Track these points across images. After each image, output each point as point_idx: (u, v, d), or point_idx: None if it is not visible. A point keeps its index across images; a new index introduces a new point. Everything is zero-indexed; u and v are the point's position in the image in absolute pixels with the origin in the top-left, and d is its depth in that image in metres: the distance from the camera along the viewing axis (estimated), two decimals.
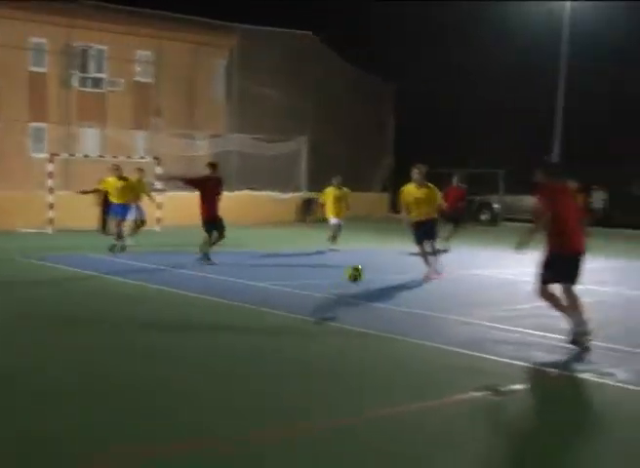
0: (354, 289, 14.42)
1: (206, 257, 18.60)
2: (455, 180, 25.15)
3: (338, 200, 23.23)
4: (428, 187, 16.77)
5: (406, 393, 8.16)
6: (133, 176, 23.07)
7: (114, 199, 21.21)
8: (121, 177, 21.30)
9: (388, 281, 16.20)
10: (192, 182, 19.29)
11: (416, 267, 17.48)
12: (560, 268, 10.22)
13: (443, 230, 22.12)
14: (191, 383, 8.30)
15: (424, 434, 6.91)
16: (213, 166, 19.28)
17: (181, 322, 11.82)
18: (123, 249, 20.67)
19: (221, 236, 18.89)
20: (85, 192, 24.67)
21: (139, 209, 23.63)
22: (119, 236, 20.87)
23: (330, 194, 23.35)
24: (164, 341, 10.36)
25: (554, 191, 10.46)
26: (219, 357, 9.52)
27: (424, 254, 16.94)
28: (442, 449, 6.52)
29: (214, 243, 18.88)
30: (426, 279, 16.51)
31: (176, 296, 14.08)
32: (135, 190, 21.97)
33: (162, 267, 18.00)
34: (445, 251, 21.57)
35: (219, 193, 18.88)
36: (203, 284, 15.61)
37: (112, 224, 21.77)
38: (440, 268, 17.04)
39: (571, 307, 10.22)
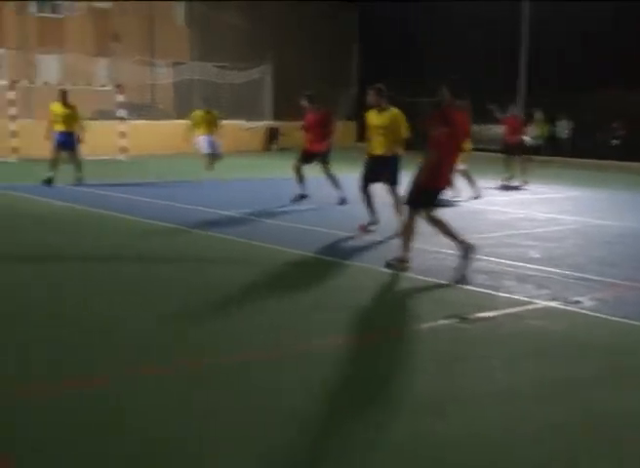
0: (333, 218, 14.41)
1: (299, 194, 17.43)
2: (512, 109, 24.45)
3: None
4: (391, 113, 13.53)
5: (374, 321, 8.24)
6: (202, 109, 22.34)
7: (58, 126, 20.36)
8: (66, 104, 20.47)
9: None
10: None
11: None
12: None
13: (510, 165, 22.69)
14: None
15: (392, 359, 7.00)
16: (308, 98, 17.66)
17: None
18: (49, 181, 19.71)
19: (325, 169, 17.45)
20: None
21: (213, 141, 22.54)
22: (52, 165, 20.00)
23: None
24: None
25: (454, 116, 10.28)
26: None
27: (367, 200, 13.82)
28: (407, 373, 6.63)
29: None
30: (361, 230, 13.66)
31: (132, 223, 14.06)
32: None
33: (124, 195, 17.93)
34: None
35: (316, 126, 17.25)
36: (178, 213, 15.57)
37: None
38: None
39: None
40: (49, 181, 19.56)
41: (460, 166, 19.71)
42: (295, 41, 40.67)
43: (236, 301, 8.93)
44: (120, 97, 30.73)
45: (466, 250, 10.25)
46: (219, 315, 8.34)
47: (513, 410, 5.88)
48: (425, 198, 10.37)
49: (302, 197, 17.26)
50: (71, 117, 20.25)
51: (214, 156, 22.24)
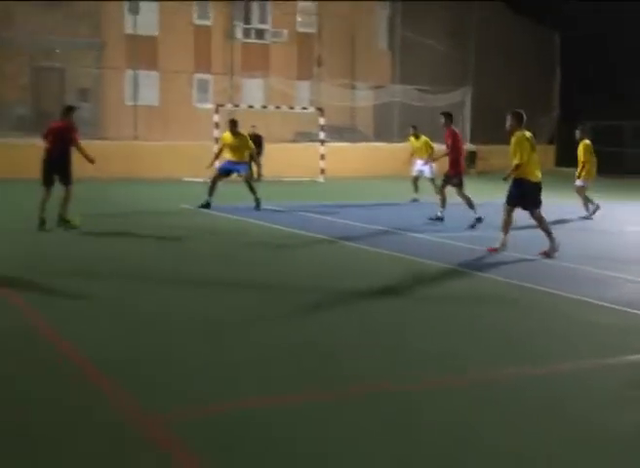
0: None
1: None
2: None
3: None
4: (519, 137, 13.31)
5: (574, 351, 7.93)
6: (412, 135, 22.64)
7: (228, 155, 20.13)
8: (235, 133, 19.98)
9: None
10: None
11: (577, 223, 17.08)
12: None
13: None
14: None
15: (596, 393, 6.68)
16: (445, 116, 17.99)
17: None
18: (207, 205, 19.40)
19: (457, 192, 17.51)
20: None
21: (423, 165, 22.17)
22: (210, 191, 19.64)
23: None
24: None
25: None
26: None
27: (507, 219, 13.52)
28: (612, 409, 6.29)
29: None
30: (545, 255, 13.21)
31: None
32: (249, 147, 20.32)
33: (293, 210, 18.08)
34: None
35: (447, 145, 17.64)
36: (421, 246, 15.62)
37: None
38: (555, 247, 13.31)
39: None
40: (207, 206, 19.47)
41: (578, 182, 19.45)
42: (495, 63, 40.20)
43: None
44: (321, 120, 31.18)
45: None
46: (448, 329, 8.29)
47: None
48: None
49: (479, 220, 16.81)
50: (240, 146, 19.88)
51: (420, 180, 22.30)
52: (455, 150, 17.39)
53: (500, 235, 13.54)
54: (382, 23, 43.52)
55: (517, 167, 13.14)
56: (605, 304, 9.79)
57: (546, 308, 9.69)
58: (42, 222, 15.13)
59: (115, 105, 35.62)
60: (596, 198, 19.55)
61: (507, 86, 39.32)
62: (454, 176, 17.34)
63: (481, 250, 13.67)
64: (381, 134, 38.33)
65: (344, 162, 32.13)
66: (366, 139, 37.81)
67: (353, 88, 39.61)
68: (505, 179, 13.55)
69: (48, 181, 15.48)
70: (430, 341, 8.11)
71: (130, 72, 35.22)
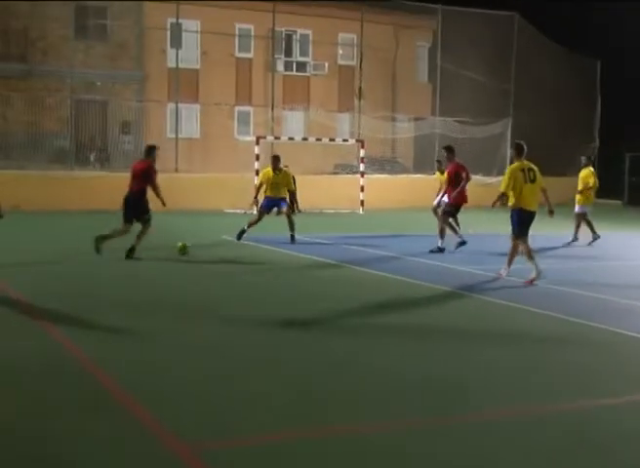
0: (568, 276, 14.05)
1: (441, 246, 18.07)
2: None
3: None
4: (513, 167, 13.82)
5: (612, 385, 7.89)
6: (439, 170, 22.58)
7: (267, 191, 19.79)
8: (277, 169, 19.79)
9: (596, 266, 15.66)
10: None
11: (601, 253, 16.93)
12: None
13: None
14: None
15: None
16: (446, 150, 19.02)
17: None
18: (241, 234, 19.44)
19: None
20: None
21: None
22: (253, 221, 19.74)
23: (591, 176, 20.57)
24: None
25: None
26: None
27: (526, 249, 13.79)
28: None
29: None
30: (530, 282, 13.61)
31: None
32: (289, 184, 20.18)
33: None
34: None
35: (449, 178, 18.43)
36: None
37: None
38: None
39: None
40: (241, 234, 19.46)
41: (578, 209, 19.72)
42: (535, 94, 40.01)
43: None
44: (361, 152, 31.33)
45: None
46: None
47: None
48: None
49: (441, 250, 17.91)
50: (281, 183, 19.73)
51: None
52: (461, 182, 18.09)
53: (531, 266, 13.63)
54: (422, 56, 43.70)
55: (502, 195, 13.67)
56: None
57: (579, 340, 9.66)
58: (100, 240, 15.66)
59: (157, 138, 35.81)
60: (627, 227, 19.55)
61: (547, 117, 39.18)
62: (451, 205, 18.16)
63: (519, 281, 13.68)
64: (421, 165, 38.29)
65: (384, 194, 32.19)
66: (406, 171, 37.87)
67: (393, 120, 39.72)
68: (493, 206, 13.87)
69: (128, 219, 15.90)
70: (481, 375, 8.12)
71: (171, 105, 35.53)
